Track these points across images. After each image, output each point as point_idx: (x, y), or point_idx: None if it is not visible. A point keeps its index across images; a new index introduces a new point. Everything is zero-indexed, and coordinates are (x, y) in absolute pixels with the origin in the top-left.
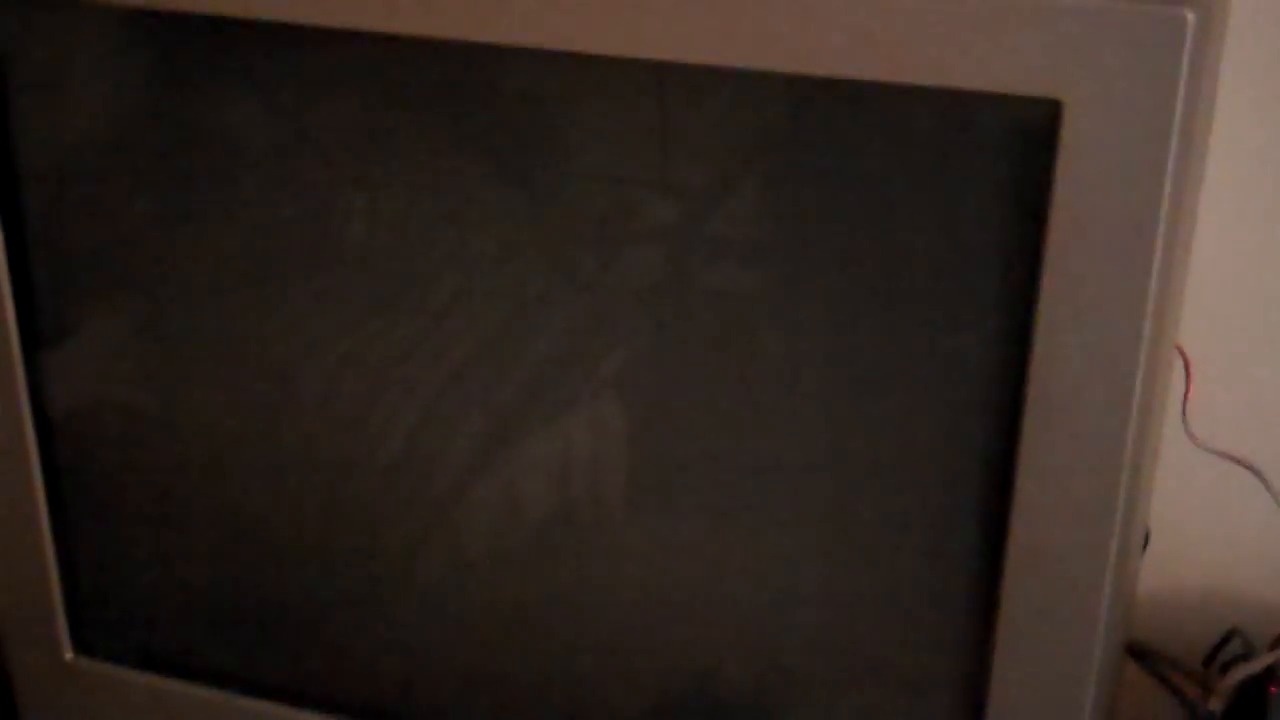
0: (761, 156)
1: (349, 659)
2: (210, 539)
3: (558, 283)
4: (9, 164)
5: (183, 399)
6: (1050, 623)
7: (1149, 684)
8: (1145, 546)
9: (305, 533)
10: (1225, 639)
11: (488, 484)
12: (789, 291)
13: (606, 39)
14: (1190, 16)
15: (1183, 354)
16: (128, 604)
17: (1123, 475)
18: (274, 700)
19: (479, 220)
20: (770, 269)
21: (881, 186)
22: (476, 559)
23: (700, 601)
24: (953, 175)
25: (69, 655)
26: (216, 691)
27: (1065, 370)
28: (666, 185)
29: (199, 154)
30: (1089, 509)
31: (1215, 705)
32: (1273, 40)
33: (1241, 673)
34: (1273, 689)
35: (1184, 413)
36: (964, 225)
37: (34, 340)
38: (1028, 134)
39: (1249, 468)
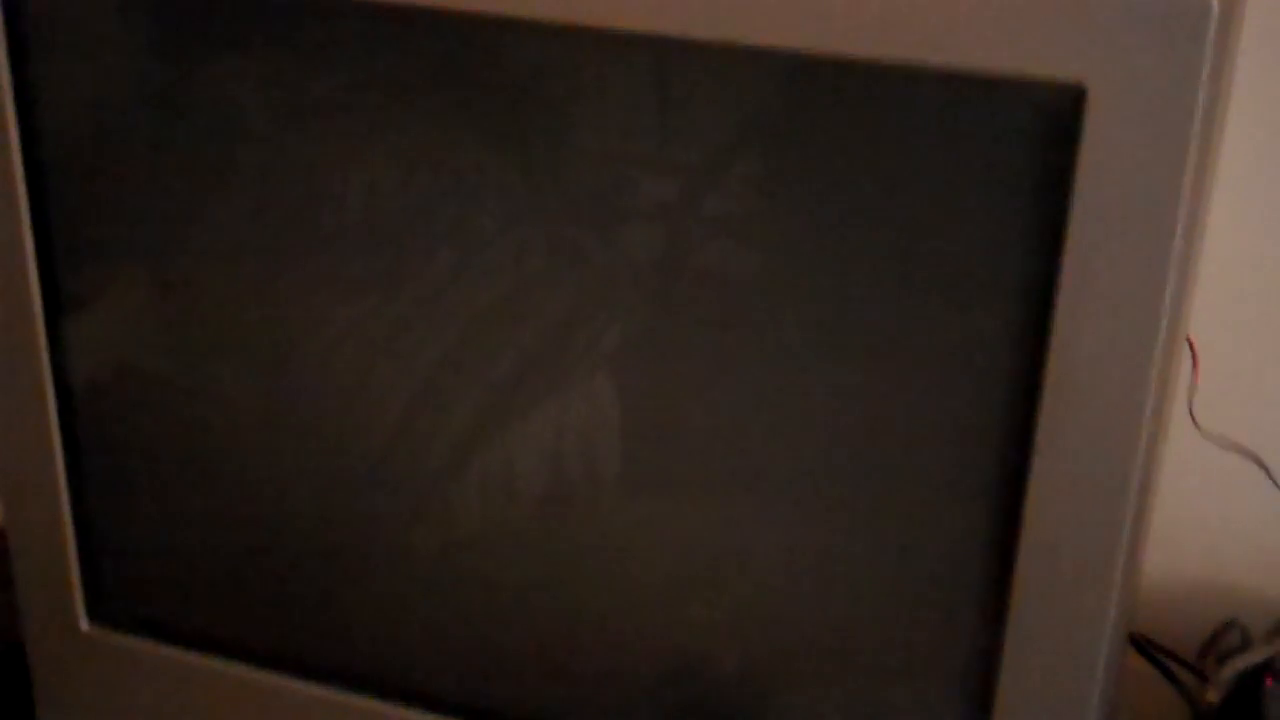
0: (776, 137)
1: (352, 632)
2: (222, 511)
3: (557, 260)
4: (33, 134)
5: (199, 370)
6: (1060, 612)
7: (1147, 673)
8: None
9: (313, 506)
10: (1223, 629)
11: (486, 460)
12: (802, 277)
13: (610, 11)
14: (1214, 5)
15: (1190, 344)
16: (142, 574)
17: (1136, 464)
18: (282, 671)
19: (480, 196)
20: (786, 254)
21: (898, 168)
22: (473, 535)
23: (700, 585)
24: (973, 159)
25: (84, 625)
26: (229, 662)
27: (1081, 356)
28: (669, 163)
29: (211, 126)
30: (1101, 499)
31: (1212, 696)
32: None
33: (1239, 663)
34: (1269, 680)
35: (1190, 402)
36: (983, 209)
37: (55, 309)
38: (1051, 119)
39: (1253, 458)
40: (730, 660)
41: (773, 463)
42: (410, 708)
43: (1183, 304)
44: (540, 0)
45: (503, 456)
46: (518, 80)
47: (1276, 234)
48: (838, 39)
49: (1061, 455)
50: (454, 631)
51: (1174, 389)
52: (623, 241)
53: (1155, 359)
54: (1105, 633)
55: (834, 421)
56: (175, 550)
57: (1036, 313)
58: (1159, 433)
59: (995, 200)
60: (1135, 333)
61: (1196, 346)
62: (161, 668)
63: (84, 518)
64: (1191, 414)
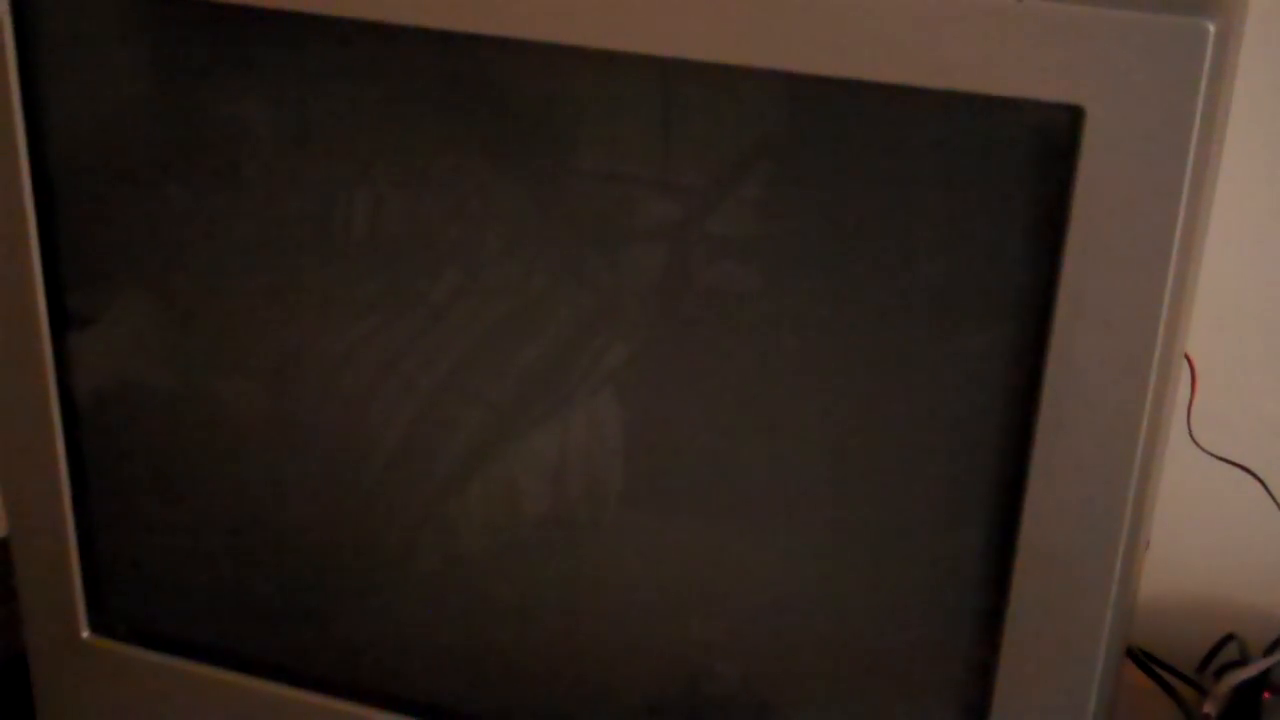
0: (779, 158)
1: (354, 645)
2: (224, 524)
3: (560, 279)
4: (41, 151)
5: (202, 384)
6: (1056, 626)
7: (1146, 687)
8: (1145, 550)
9: (315, 519)
10: (1221, 644)
11: (489, 477)
12: (801, 295)
13: (614, 34)
14: (1211, 27)
15: (1189, 361)
16: (144, 586)
17: (1132, 481)
18: (283, 683)
19: (484, 215)
20: (785, 272)
21: (900, 189)
22: (475, 551)
23: (700, 601)
24: (973, 179)
25: (85, 634)
26: (230, 674)
27: (1077, 373)
28: (672, 184)
29: (217, 143)
30: (1098, 513)
31: (1210, 709)
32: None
33: (1236, 678)
34: (1267, 694)
35: (1189, 418)
36: (983, 228)
37: (61, 322)
38: (1050, 140)
39: (1251, 474)
40: (730, 675)
41: (773, 479)
42: None
43: (1180, 321)
44: (546, 23)
45: (505, 473)
46: (523, 101)
47: (1274, 252)
48: (840, 62)
49: (1058, 471)
50: (455, 646)
51: (1173, 405)
52: (626, 261)
53: (1151, 375)
54: (1101, 647)
55: (833, 438)
56: (177, 562)
57: (1034, 330)
58: (1156, 448)
59: (995, 219)
60: (1132, 350)
61: (1195, 363)
62: (163, 678)
63: (87, 529)
64: (1190, 430)
